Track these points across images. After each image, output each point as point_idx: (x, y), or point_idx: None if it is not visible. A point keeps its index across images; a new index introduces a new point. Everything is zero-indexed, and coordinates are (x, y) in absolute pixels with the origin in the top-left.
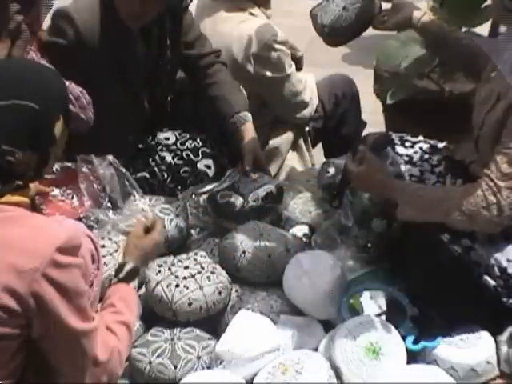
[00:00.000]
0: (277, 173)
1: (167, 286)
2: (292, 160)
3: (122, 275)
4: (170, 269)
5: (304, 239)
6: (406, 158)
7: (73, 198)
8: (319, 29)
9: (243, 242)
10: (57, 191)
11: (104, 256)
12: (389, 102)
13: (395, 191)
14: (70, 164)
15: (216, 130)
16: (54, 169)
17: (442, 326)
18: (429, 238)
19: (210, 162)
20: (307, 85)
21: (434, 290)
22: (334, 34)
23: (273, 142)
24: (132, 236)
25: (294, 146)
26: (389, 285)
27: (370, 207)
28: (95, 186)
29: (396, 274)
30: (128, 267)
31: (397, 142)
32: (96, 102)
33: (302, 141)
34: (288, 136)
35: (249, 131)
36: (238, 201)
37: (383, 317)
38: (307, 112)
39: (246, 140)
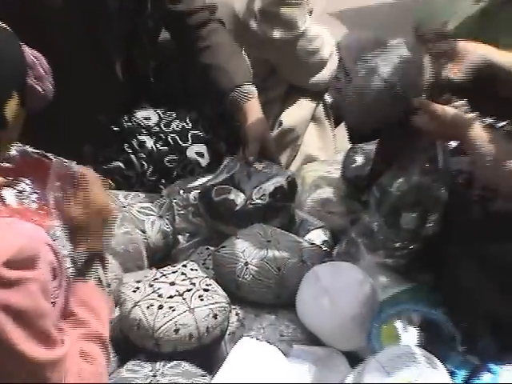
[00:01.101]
0: (290, 162)
1: (148, 308)
2: (310, 144)
3: (78, 270)
4: (151, 285)
5: (324, 247)
6: None
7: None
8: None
9: (245, 252)
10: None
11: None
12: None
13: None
14: (30, 149)
15: (211, 108)
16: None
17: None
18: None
19: (202, 148)
20: (325, 39)
21: (495, 308)
22: None
23: (286, 123)
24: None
25: (313, 119)
26: (433, 306)
27: (399, 201)
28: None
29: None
30: (83, 257)
31: None
32: (56, 70)
33: (322, 112)
34: (305, 114)
35: (253, 110)
36: (239, 198)
37: (425, 347)
38: (327, 72)
39: (249, 121)
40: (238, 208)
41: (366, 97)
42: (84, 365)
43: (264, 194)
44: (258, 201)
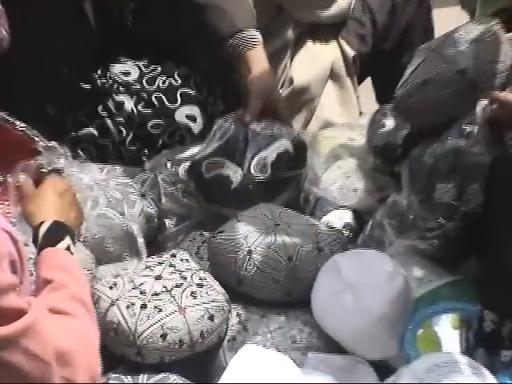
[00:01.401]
0: (304, 128)
1: (128, 308)
2: (328, 107)
3: (40, 241)
4: (132, 280)
5: (346, 232)
6: None
7: None
8: None
9: (248, 237)
10: None
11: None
12: (479, 13)
13: None
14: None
15: (205, 60)
16: None
17: None
18: None
19: (194, 110)
20: None
21: None
22: None
23: (298, 80)
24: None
25: (331, 76)
26: (479, 303)
27: (433, 170)
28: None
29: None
30: (44, 227)
31: None
32: (11, 13)
33: (342, 68)
34: (321, 69)
35: (258, 59)
36: (235, 173)
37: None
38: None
39: (252, 73)
40: (234, 186)
41: (432, 86)
42: (68, 322)
43: (265, 165)
44: (259, 175)
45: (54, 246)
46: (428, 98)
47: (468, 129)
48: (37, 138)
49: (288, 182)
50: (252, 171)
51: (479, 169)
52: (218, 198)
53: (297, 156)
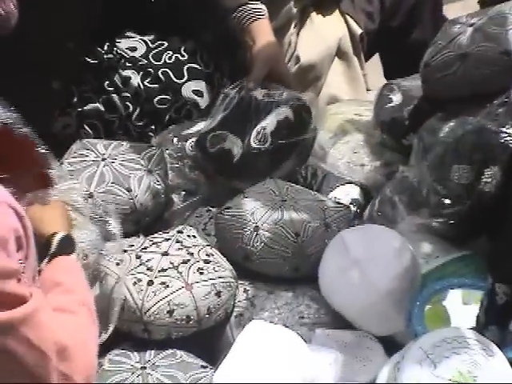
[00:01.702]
0: None
1: (134, 284)
2: (335, 84)
3: (53, 249)
4: (138, 256)
5: (353, 208)
6: None
7: None
8: None
9: (255, 213)
10: None
11: None
12: None
13: None
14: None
15: (211, 35)
16: None
17: None
18: None
19: (201, 85)
20: None
21: None
22: None
23: (304, 58)
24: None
25: (338, 52)
26: (489, 279)
27: (450, 149)
28: None
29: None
30: (58, 237)
31: None
32: None
33: (349, 46)
34: (328, 47)
35: (263, 30)
36: (235, 146)
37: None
38: None
39: (257, 44)
40: (236, 159)
41: (471, 61)
42: (71, 320)
43: (265, 135)
44: (258, 146)
45: (67, 255)
46: (465, 73)
47: (499, 110)
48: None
49: (291, 150)
50: (252, 143)
51: (503, 151)
52: (224, 171)
53: (298, 122)
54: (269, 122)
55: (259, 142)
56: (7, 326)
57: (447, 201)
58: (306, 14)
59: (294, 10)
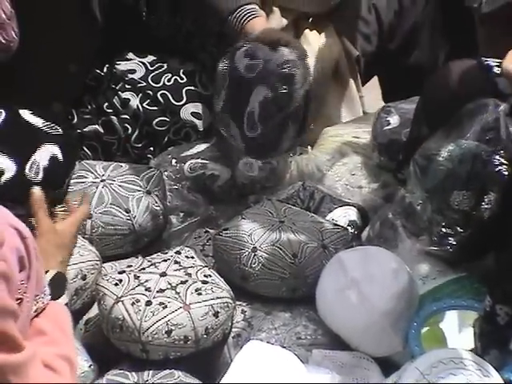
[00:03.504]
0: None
1: (133, 305)
2: (331, 106)
3: None
4: (137, 277)
5: (350, 229)
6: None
7: None
8: None
9: (253, 235)
10: None
11: None
12: (485, 10)
13: None
14: None
15: (209, 57)
16: None
17: None
18: None
19: (199, 107)
20: None
21: None
22: None
23: None
24: (41, 231)
25: (334, 74)
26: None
27: (449, 175)
28: None
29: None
30: (48, 276)
31: (497, 72)
32: (18, 12)
33: (346, 67)
34: (323, 68)
35: (260, 26)
36: (236, 134)
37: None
38: None
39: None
40: (239, 146)
41: None
42: (50, 374)
43: (254, 122)
44: (252, 134)
45: (55, 299)
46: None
47: (489, 135)
48: None
49: (285, 121)
50: (246, 131)
51: (499, 178)
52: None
53: (280, 96)
54: (254, 106)
55: (251, 129)
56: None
57: (449, 230)
58: (299, 29)
59: (284, 21)
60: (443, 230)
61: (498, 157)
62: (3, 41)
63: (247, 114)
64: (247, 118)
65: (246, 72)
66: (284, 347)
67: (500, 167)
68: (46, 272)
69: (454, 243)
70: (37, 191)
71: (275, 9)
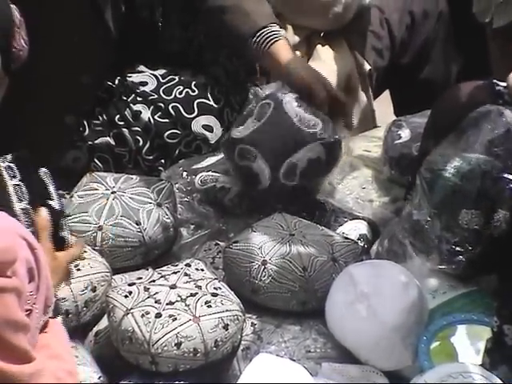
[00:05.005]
0: None
1: (142, 317)
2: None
3: None
4: (146, 289)
5: (361, 243)
6: None
7: None
8: None
9: (263, 247)
10: None
11: None
12: (496, 25)
13: None
14: None
15: (221, 70)
16: None
17: None
18: None
19: (211, 120)
20: None
21: None
22: None
23: None
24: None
25: (346, 88)
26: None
27: (458, 192)
28: None
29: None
30: None
31: (508, 100)
32: (29, 22)
33: (357, 80)
34: (338, 81)
35: (285, 50)
36: (263, 173)
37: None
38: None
39: (283, 62)
40: (261, 187)
41: None
42: None
43: (295, 172)
44: (287, 182)
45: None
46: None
47: (499, 150)
48: None
49: (315, 185)
50: (280, 176)
51: (511, 195)
52: (246, 191)
53: (329, 161)
54: (300, 158)
55: (287, 177)
56: (14, 378)
57: (458, 248)
58: (312, 45)
59: (297, 38)
60: (452, 247)
61: (507, 174)
62: (13, 49)
63: (288, 163)
64: (288, 167)
65: (299, 124)
66: (293, 360)
67: (511, 184)
68: None
69: (464, 260)
70: (43, 212)
71: (288, 26)
